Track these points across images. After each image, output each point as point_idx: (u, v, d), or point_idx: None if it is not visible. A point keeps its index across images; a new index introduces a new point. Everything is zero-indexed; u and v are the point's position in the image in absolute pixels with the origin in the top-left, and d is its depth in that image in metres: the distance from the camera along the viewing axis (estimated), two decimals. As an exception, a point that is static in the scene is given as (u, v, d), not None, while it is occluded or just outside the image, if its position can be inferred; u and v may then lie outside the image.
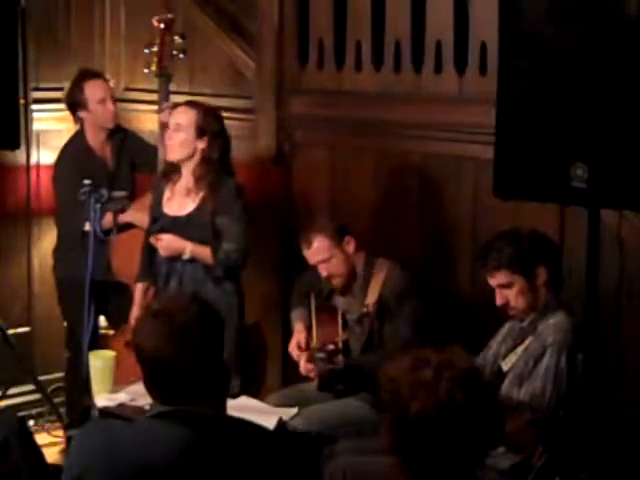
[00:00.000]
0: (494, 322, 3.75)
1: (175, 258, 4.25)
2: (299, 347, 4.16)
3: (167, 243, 4.24)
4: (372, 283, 4.10)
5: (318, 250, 4.10)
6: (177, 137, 4.21)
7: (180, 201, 4.29)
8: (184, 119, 4.20)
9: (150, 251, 4.36)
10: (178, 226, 4.25)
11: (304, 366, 4.09)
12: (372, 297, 4.06)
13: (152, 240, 4.28)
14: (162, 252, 4.26)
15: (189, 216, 4.24)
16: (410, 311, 4.01)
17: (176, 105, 4.37)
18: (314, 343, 4.14)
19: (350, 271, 4.13)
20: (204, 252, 4.20)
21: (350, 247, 4.13)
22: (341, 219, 4.29)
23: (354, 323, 4.13)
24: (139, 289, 4.45)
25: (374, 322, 4.04)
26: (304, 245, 4.14)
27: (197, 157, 4.21)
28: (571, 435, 3.33)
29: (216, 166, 4.20)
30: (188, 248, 4.21)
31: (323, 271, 4.11)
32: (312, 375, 4.09)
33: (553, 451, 3.25)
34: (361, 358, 4.06)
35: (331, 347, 4.01)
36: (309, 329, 4.21)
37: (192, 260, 4.22)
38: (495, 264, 3.54)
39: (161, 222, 4.31)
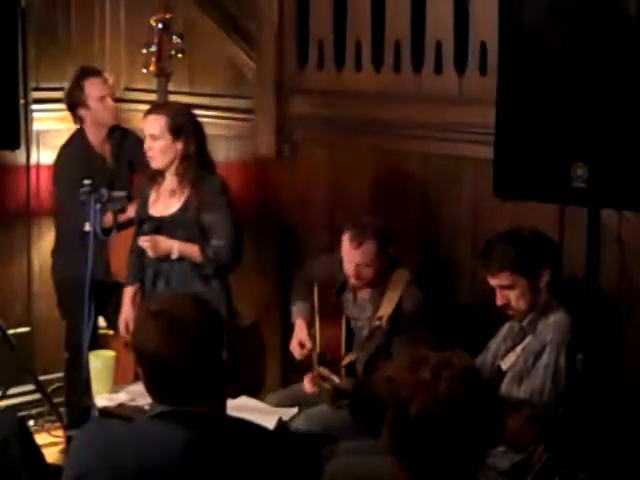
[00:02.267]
0: (494, 323, 3.75)
1: (162, 259, 4.25)
2: (301, 345, 4.13)
3: (154, 244, 4.23)
4: (387, 294, 3.99)
5: (364, 253, 3.92)
6: (156, 146, 4.20)
7: (165, 202, 4.29)
8: (157, 128, 4.19)
9: (138, 254, 4.36)
10: (164, 226, 4.25)
11: (310, 387, 4.00)
12: (386, 310, 3.96)
13: (139, 242, 4.27)
14: (150, 253, 4.25)
15: (174, 216, 4.24)
16: (424, 334, 3.84)
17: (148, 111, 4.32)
18: (317, 350, 4.07)
19: (378, 279, 4.00)
20: (192, 250, 4.20)
21: (390, 256, 3.99)
22: (341, 219, 4.26)
23: (363, 339, 4.01)
24: (128, 293, 4.43)
25: (385, 337, 3.93)
26: (351, 242, 3.91)
27: (178, 158, 4.22)
28: (571, 434, 3.33)
29: (194, 161, 4.19)
30: (175, 247, 4.21)
31: (355, 272, 3.95)
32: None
33: (553, 450, 3.25)
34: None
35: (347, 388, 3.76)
36: (311, 324, 4.16)
37: (180, 259, 4.22)
38: (498, 265, 3.53)
39: (147, 224, 4.31)
